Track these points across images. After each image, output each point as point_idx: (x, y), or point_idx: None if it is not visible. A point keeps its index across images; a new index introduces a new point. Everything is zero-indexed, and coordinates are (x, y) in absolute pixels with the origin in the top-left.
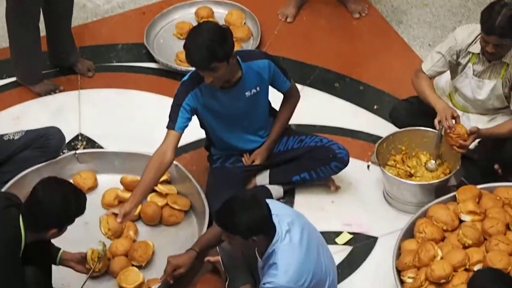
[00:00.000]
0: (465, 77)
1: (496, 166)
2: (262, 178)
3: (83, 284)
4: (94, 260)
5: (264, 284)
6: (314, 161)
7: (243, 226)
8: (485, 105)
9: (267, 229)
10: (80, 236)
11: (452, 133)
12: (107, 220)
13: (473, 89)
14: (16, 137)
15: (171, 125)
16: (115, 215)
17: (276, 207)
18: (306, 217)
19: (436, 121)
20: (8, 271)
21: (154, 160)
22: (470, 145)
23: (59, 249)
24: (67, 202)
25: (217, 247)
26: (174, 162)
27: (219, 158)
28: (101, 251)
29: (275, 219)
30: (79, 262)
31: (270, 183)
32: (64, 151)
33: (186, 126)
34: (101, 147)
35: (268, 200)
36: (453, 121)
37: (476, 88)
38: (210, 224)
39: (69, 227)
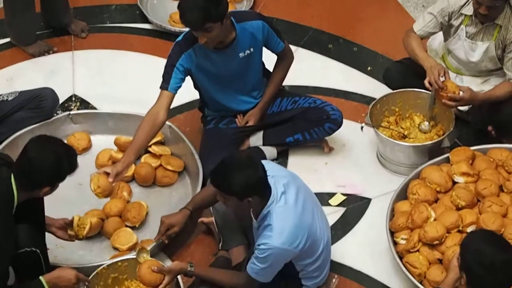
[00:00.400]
0: (458, 39)
1: (489, 128)
2: (256, 140)
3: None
4: (81, 226)
5: (258, 245)
6: (308, 122)
7: (238, 186)
8: (478, 67)
9: (263, 190)
10: (73, 197)
11: (443, 92)
12: (98, 178)
13: (466, 51)
14: (9, 98)
15: (164, 86)
16: (107, 174)
17: (272, 169)
18: (301, 179)
19: (426, 82)
20: (2, 229)
21: (146, 120)
22: (462, 103)
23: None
24: (58, 159)
25: (211, 208)
26: (168, 123)
27: (212, 119)
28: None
29: (270, 181)
30: (61, 228)
31: (263, 144)
32: (57, 112)
33: (179, 86)
34: (95, 108)
35: (264, 161)
36: (442, 78)
37: (469, 50)
38: (203, 185)
39: (62, 188)
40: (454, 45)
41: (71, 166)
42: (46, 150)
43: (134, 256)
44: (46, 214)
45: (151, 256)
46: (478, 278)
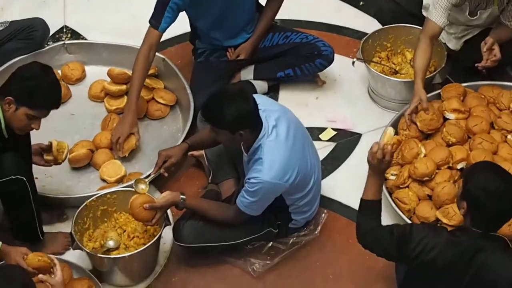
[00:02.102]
0: (460, 10)
1: (478, 65)
2: (247, 73)
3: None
4: (60, 151)
5: (248, 179)
6: (299, 58)
7: (229, 119)
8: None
9: (254, 123)
10: (65, 127)
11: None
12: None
13: (468, 21)
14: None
15: (154, 24)
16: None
17: (264, 103)
18: (292, 113)
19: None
20: None
21: (139, 65)
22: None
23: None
24: (32, 75)
25: None
26: (162, 56)
27: (203, 52)
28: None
29: (262, 114)
30: (36, 153)
31: (254, 79)
32: (48, 43)
33: (168, 26)
34: (86, 40)
35: (255, 95)
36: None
37: (471, 19)
38: (194, 120)
39: (54, 118)
40: (456, 14)
41: (46, 100)
42: (30, 65)
43: (123, 189)
44: (38, 143)
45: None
46: (481, 205)
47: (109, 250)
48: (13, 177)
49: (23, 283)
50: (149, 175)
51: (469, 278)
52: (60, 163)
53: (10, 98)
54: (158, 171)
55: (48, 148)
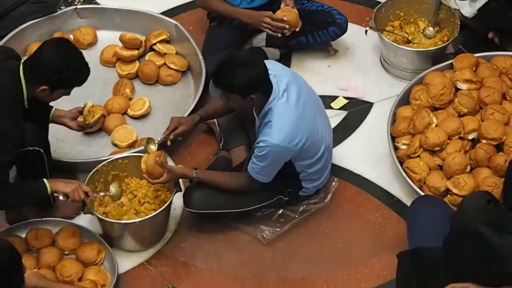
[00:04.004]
0: None
1: (490, 35)
2: (259, 40)
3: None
4: (91, 113)
5: (257, 143)
6: (312, 25)
7: (240, 83)
8: None
9: (265, 86)
10: (76, 92)
11: None
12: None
13: None
14: None
15: None
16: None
17: (274, 68)
18: (303, 78)
19: None
20: (10, 117)
21: None
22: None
23: (51, 107)
24: (66, 64)
25: None
26: (174, 21)
27: (217, 16)
28: (115, 193)
29: (273, 79)
30: (74, 117)
31: (266, 46)
32: (61, 7)
33: None
34: (98, 4)
35: (266, 61)
36: None
37: None
38: (206, 85)
39: None
40: None
41: (75, 78)
42: (58, 51)
43: (134, 154)
44: (75, 107)
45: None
46: None
47: (112, 200)
48: (30, 148)
49: (9, 254)
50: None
51: None
52: (90, 127)
53: (45, 87)
54: (168, 135)
55: (83, 110)
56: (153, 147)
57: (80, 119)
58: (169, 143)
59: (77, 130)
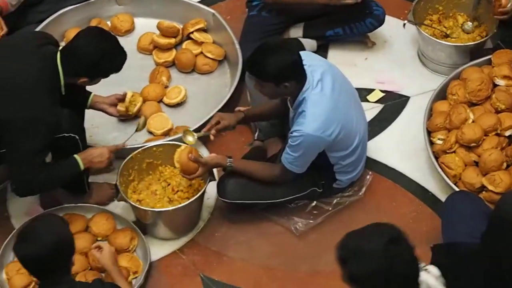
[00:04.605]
0: None
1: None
2: (296, 31)
3: (128, 139)
4: (132, 103)
5: (291, 132)
6: (350, 16)
7: (273, 71)
8: None
9: (299, 75)
10: (113, 78)
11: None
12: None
13: None
14: None
15: None
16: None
17: (309, 58)
18: (339, 69)
19: None
20: (47, 103)
21: None
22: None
23: (90, 93)
24: (102, 55)
25: (248, 97)
26: (212, 10)
27: (257, 5)
28: (141, 123)
29: (307, 69)
30: (112, 104)
31: (303, 37)
32: None
33: None
34: None
35: (302, 52)
36: None
37: None
38: (242, 75)
39: None
40: None
41: (114, 67)
42: (93, 43)
43: (169, 142)
44: (114, 94)
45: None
46: None
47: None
48: (66, 134)
49: (59, 233)
50: (196, 131)
51: None
52: (131, 115)
53: (85, 79)
54: (209, 129)
55: (123, 98)
56: (191, 139)
57: (121, 107)
58: (212, 138)
59: (116, 117)
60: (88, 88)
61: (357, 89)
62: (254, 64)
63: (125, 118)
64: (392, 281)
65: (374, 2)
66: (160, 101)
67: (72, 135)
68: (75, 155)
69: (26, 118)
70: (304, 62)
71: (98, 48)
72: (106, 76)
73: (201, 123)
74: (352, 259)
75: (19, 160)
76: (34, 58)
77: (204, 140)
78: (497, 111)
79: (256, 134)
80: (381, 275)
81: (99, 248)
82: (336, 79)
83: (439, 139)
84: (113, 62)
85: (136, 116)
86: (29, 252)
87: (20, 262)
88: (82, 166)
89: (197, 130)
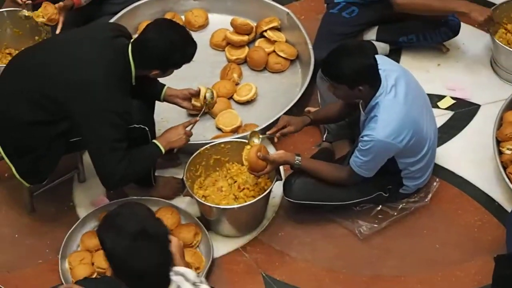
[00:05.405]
0: None
1: None
2: (370, 34)
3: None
4: (206, 98)
5: (362, 137)
6: (425, 24)
7: (348, 73)
8: None
9: (373, 79)
10: (185, 72)
11: None
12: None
13: None
14: None
15: None
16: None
17: (384, 62)
18: (412, 75)
19: None
20: (117, 94)
21: None
22: None
23: (164, 85)
24: (172, 47)
25: (319, 99)
26: (286, 9)
27: (339, 3)
28: (209, 98)
29: (381, 74)
30: (186, 98)
31: (376, 40)
32: None
33: None
34: None
35: (376, 56)
36: None
37: None
38: (314, 75)
39: None
40: None
41: (185, 57)
42: (163, 35)
43: (238, 140)
44: (187, 88)
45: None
46: None
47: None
48: (136, 125)
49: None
50: (264, 129)
51: None
52: (206, 112)
53: (157, 71)
54: (275, 132)
55: (196, 94)
56: (256, 141)
57: (196, 102)
58: (276, 140)
59: (191, 110)
60: (160, 79)
61: (428, 95)
62: (329, 66)
63: (198, 112)
64: None
65: None
66: (230, 97)
67: (142, 126)
68: (154, 140)
69: (100, 109)
70: (379, 66)
71: (168, 40)
72: (178, 67)
73: (269, 122)
74: None
75: (99, 150)
76: (107, 49)
77: (271, 139)
78: None
79: (324, 136)
80: None
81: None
82: (409, 85)
83: (508, 149)
84: (184, 52)
85: (206, 112)
86: (112, 239)
87: (101, 246)
88: (163, 150)
89: (265, 129)
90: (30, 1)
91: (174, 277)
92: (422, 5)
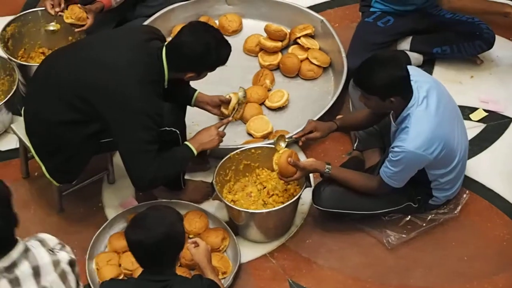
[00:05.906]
0: None
1: None
2: (404, 44)
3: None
4: (236, 107)
5: (392, 148)
6: (459, 35)
7: (380, 85)
8: None
9: (405, 90)
10: (217, 77)
11: None
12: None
13: None
14: None
15: None
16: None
17: (416, 74)
18: (444, 87)
19: None
20: (149, 96)
21: None
22: None
23: (195, 90)
24: (206, 49)
25: (350, 107)
26: (320, 17)
27: (375, 12)
28: (241, 97)
29: (413, 85)
30: (216, 105)
31: (410, 50)
32: None
33: None
34: None
35: (408, 66)
36: None
37: None
38: (347, 83)
39: None
40: None
41: (220, 60)
42: (198, 38)
43: (268, 145)
44: (218, 95)
45: (286, 147)
46: None
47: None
48: (167, 128)
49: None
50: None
51: None
52: (234, 120)
53: (192, 74)
54: (301, 136)
55: (227, 101)
56: (282, 145)
57: (225, 110)
58: (300, 143)
59: (221, 116)
60: (192, 84)
61: (460, 106)
62: (361, 77)
63: (227, 118)
64: None
65: (485, 25)
66: (262, 103)
67: (174, 129)
68: (185, 142)
69: (133, 112)
70: (411, 77)
71: (203, 42)
72: (213, 69)
73: (299, 129)
74: None
75: (130, 152)
76: (141, 52)
77: (303, 146)
78: None
79: (355, 144)
80: None
81: (196, 244)
82: (441, 97)
83: None
84: (219, 55)
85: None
86: (139, 238)
87: (128, 247)
88: (195, 151)
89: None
90: (62, 13)
91: (29, 242)
92: (471, 8)
